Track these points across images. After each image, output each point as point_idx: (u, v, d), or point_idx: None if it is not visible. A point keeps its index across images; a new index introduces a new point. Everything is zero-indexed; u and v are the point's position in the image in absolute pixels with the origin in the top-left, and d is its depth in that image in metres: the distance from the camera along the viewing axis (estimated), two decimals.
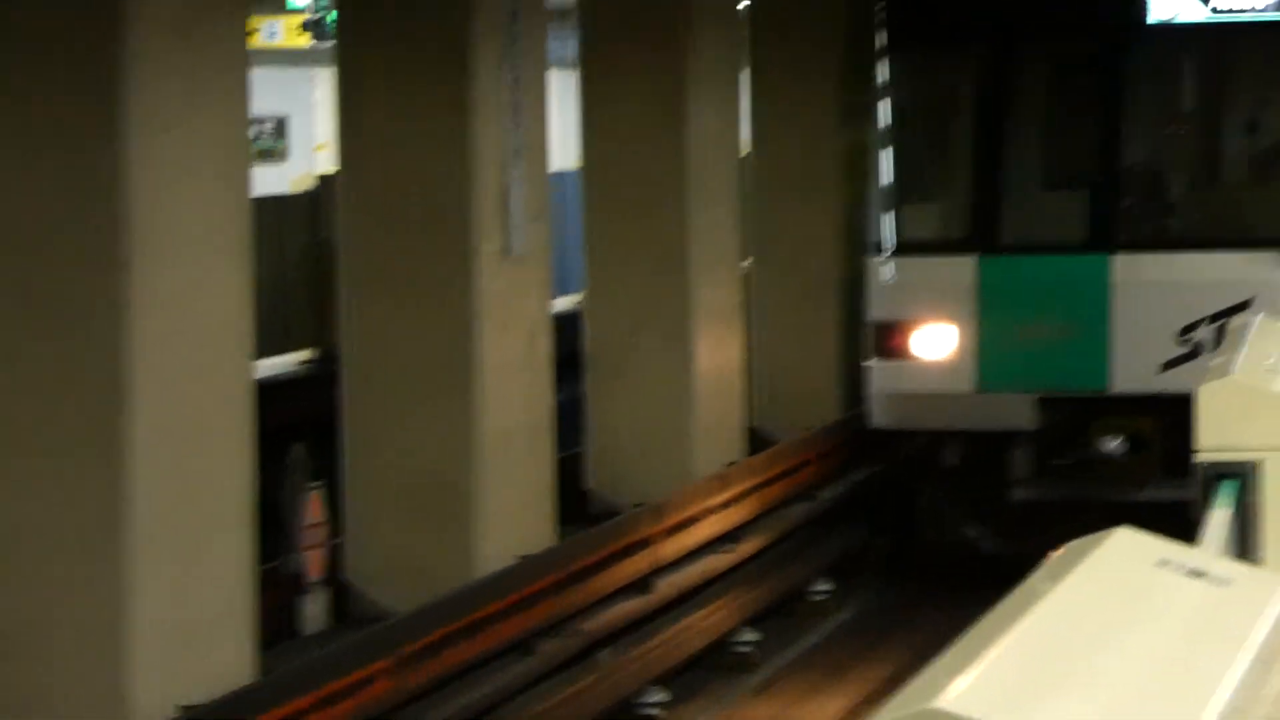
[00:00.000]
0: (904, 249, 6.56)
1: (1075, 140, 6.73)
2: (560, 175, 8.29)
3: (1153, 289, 6.30)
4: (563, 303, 10.18)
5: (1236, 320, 2.38)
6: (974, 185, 6.59)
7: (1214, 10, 6.13)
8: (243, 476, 4.28)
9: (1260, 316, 2.48)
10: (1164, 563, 1.11)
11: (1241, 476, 1.89)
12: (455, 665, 4.70)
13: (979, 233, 6.52)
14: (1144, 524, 1.29)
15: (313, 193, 10.45)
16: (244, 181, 4.37)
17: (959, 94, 6.86)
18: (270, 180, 11.35)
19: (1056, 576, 1.05)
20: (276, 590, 4.81)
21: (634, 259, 6.58)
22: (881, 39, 6.69)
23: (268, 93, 11.67)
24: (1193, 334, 6.22)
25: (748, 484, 6.54)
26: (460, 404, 5.20)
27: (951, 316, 6.45)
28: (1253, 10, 6.12)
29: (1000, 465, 6.54)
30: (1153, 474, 6.15)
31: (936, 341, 6.50)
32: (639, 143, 6.51)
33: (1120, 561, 1.14)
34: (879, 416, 6.72)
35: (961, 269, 6.44)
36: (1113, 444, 6.20)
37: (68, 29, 3.86)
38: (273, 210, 9.75)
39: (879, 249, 6.59)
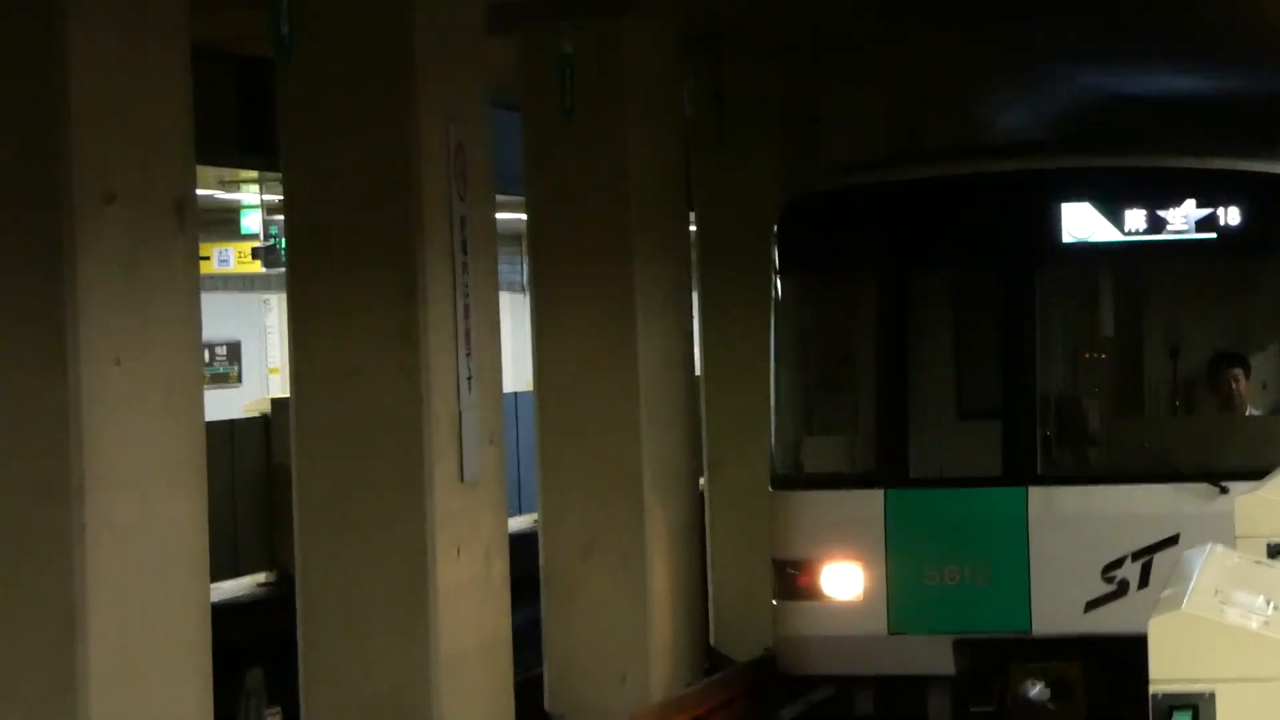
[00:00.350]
0: (807, 483, 6.37)
1: (987, 368, 6.56)
2: (514, 395, 8.66)
3: (1072, 524, 6.09)
4: (522, 522, 10.38)
5: (1189, 552, 2.37)
6: (879, 415, 6.37)
7: (1131, 231, 6.20)
8: (201, 704, 4.18)
9: (1209, 547, 2.45)
10: None
11: (1195, 707, 1.91)
12: None
13: (885, 466, 6.27)
14: None
15: (265, 417, 10.60)
16: (197, 410, 4.41)
17: (861, 319, 6.71)
18: (223, 404, 11.64)
19: None
20: None
21: (588, 479, 6.64)
22: (776, 264, 6.64)
23: (221, 317, 12.25)
24: (1117, 571, 6.00)
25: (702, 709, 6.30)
26: (418, 626, 5.17)
27: (859, 554, 6.13)
28: (1174, 230, 6.15)
29: (918, 713, 6.20)
30: None
31: (844, 581, 6.12)
32: (591, 364, 6.73)
33: None
34: (787, 663, 6.38)
35: (868, 504, 6.14)
36: (1035, 689, 5.85)
37: (16, 263, 3.96)
38: (225, 434, 9.92)
39: (780, 482, 6.36)
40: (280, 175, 6.26)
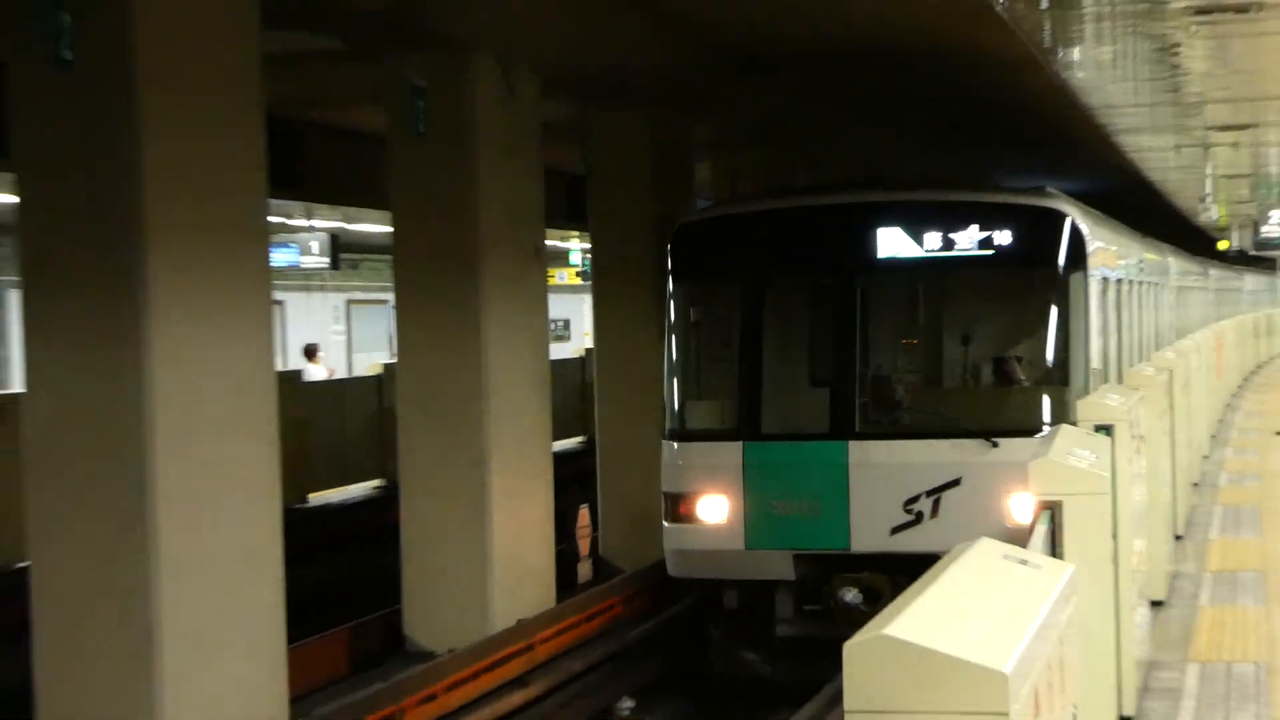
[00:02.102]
0: (689, 436, 8.05)
1: (819, 352, 8.36)
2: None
3: (881, 469, 7.59)
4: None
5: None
6: (740, 387, 8.08)
7: (927, 250, 7.78)
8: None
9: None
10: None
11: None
12: None
13: (744, 425, 7.92)
14: None
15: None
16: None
17: (730, 316, 8.41)
18: (558, 351, 17.41)
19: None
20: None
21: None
22: (669, 272, 8.32)
23: (558, 305, 25.26)
24: (914, 505, 7.46)
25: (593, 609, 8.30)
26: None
27: (725, 489, 7.70)
28: (957, 249, 7.75)
29: (768, 608, 7.82)
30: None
31: (714, 509, 7.73)
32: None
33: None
34: (673, 568, 8.07)
35: (731, 452, 7.77)
36: (850, 595, 7.35)
37: (450, 291, 7.52)
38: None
39: (670, 435, 8.09)
40: (589, 232, 11.37)
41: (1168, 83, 9.35)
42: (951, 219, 7.70)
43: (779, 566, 7.54)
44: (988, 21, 7.32)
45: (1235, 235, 22.55)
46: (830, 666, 5.97)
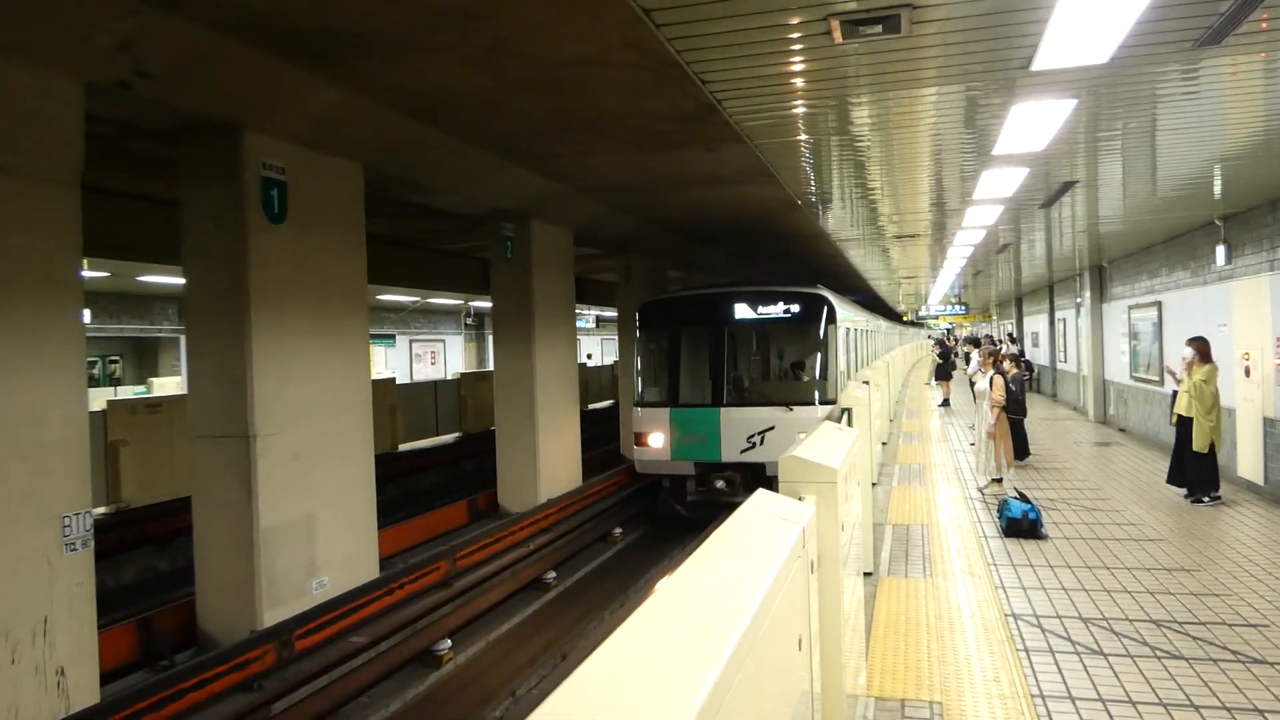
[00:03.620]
0: (645, 405, 13.61)
1: (706, 365, 13.74)
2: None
3: (736, 422, 12.96)
4: None
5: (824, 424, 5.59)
6: (668, 382, 13.82)
7: (760, 315, 13.68)
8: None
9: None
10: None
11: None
12: None
13: (670, 399, 13.54)
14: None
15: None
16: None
17: (667, 347, 14.16)
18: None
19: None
20: None
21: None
22: (639, 323, 14.29)
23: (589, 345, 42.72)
24: (752, 439, 12.91)
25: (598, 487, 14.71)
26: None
27: (660, 430, 13.32)
28: (771, 314, 13.69)
29: (683, 486, 13.65)
30: (738, 493, 12.90)
31: (655, 440, 13.36)
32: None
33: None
34: (639, 468, 13.69)
35: (664, 414, 13.34)
36: (720, 482, 13.12)
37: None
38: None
39: (638, 403, 13.75)
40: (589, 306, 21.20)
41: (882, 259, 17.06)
42: (771, 298, 13.76)
43: (687, 468, 13.31)
44: (800, 213, 14.06)
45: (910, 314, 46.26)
46: (716, 514, 12.42)
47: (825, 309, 13.71)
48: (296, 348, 8.26)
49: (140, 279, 21.10)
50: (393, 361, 31.68)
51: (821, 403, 12.92)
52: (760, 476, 12.91)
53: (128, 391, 24.74)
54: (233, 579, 7.82)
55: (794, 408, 13.01)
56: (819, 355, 13.67)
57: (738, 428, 13.15)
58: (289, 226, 8.13)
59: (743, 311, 13.85)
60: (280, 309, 8.09)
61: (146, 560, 11.77)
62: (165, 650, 7.91)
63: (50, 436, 6.02)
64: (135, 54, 6.29)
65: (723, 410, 13.28)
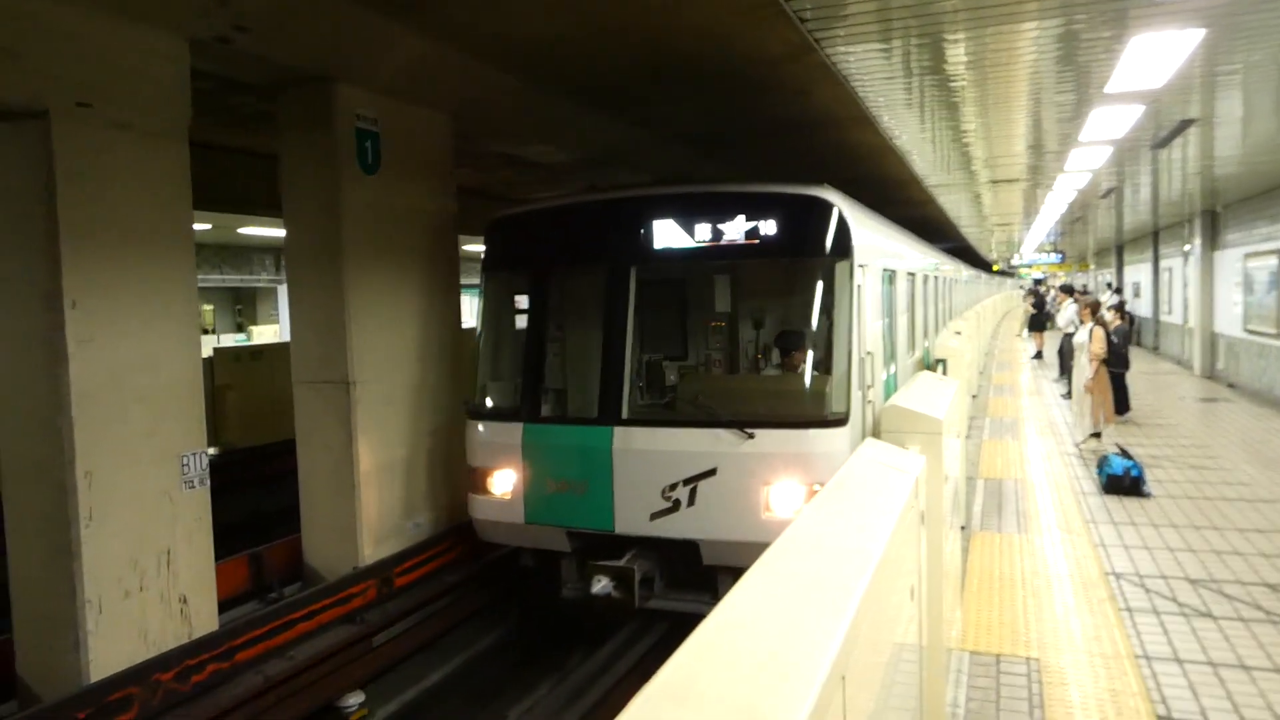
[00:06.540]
0: (481, 415, 7.65)
1: (594, 341, 7.66)
2: None
3: (643, 456, 6.86)
4: None
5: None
6: (525, 374, 7.70)
7: (698, 245, 7.02)
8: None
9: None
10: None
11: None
12: None
13: (525, 407, 7.52)
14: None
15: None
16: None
17: (524, 307, 8.05)
18: None
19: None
20: None
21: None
22: (483, 261, 7.91)
23: None
24: (672, 492, 6.78)
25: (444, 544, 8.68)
26: None
27: (510, 465, 7.39)
28: (724, 244, 6.94)
29: (555, 569, 7.55)
30: (649, 598, 6.96)
31: (501, 483, 7.49)
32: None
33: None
34: (478, 531, 7.81)
35: (514, 432, 7.38)
36: (604, 579, 6.80)
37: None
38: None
39: (470, 414, 7.75)
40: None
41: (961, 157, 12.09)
42: (721, 208, 7.12)
43: (556, 540, 7.42)
44: (893, 157, 12.49)
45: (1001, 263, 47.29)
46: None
47: (831, 230, 6.85)
48: (389, 297, 8.28)
49: (241, 230, 21.72)
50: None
51: (820, 423, 6.51)
52: (690, 563, 6.92)
53: (218, 341, 25.55)
54: (335, 518, 8.05)
55: (759, 430, 6.64)
56: (818, 325, 6.84)
57: (648, 467, 6.91)
58: (382, 176, 8.21)
59: (667, 237, 7.13)
60: (375, 259, 8.11)
61: (252, 499, 12.17)
62: (274, 584, 8.18)
63: (166, 381, 6.30)
64: (234, 8, 6.43)
65: (619, 431, 7.01)
